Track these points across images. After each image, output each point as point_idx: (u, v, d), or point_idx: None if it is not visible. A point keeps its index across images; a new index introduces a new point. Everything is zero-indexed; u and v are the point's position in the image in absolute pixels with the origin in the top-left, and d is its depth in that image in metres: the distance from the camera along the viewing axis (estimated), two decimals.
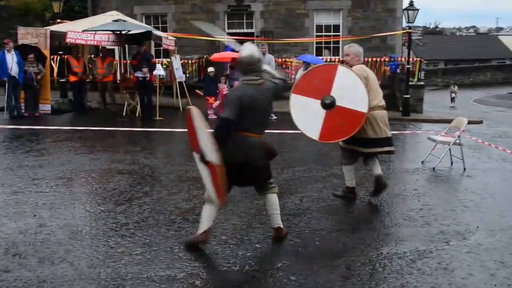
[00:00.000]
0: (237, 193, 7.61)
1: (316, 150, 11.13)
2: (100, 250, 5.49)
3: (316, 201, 7.48)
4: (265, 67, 5.70)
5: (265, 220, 6.60)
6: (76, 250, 5.49)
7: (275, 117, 14.96)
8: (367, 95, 6.85)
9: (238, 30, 23.34)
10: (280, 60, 20.11)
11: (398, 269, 5.21)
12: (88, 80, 16.59)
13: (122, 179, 8.35)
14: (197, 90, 16.72)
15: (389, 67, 21.31)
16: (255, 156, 5.39)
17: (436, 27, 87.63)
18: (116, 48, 18.78)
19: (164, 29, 22.47)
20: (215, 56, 18.01)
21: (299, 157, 10.66)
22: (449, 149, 10.11)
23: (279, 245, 5.77)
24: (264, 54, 16.46)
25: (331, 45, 23.02)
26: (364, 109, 6.82)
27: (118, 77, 18.00)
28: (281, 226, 5.86)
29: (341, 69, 6.99)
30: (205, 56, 21.85)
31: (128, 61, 18.46)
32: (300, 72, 16.30)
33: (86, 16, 22.40)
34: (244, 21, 23.57)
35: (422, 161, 10.29)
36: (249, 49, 5.41)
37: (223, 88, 15.67)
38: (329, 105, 6.87)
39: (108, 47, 16.55)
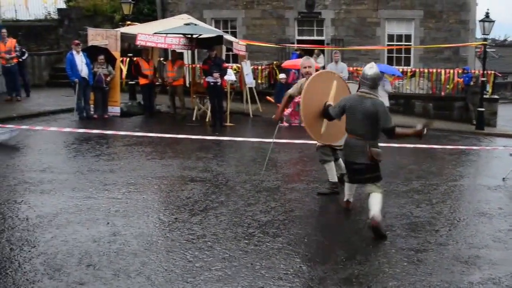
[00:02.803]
0: (316, 207, 7.25)
1: (393, 162, 10.55)
2: (177, 264, 5.15)
3: (400, 218, 7.00)
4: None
5: (349, 236, 6.24)
6: (152, 262, 5.17)
7: None
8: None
9: (308, 37, 22.93)
10: (351, 68, 19.52)
11: None
12: (157, 83, 16.45)
13: (196, 187, 8.01)
14: (268, 97, 16.38)
15: (462, 79, 20.50)
16: (352, 154, 6.40)
17: (505, 40, 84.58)
18: (185, 52, 18.65)
19: (233, 34, 22.27)
20: (287, 63, 17.63)
21: None
22: None
23: (366, 265, 5.36)
24: (336, 62, 15.99)
25: (402, 54, 22.35)
26: None
27: (188, 81, 17.86)
28: (375, 219, 6.14)
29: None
30: (274, 62, 21.51)
31: (198, 65, 18.30)
32: None
33: (155, 19, 22.40)
34: (315, 28, 23.11)
35: (503, 178, 9.56)
36: (375, 68, 6.34)
37: None
38: None
39: (178, 50, 16.39)
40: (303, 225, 6.43)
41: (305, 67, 7.71)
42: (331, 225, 6.53)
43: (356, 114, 6.29)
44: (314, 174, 9.03)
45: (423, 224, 6.76)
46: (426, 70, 20.90)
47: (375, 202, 6.25)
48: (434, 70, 20.82)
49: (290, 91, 8.00)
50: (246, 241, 5.80)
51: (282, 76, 15.91)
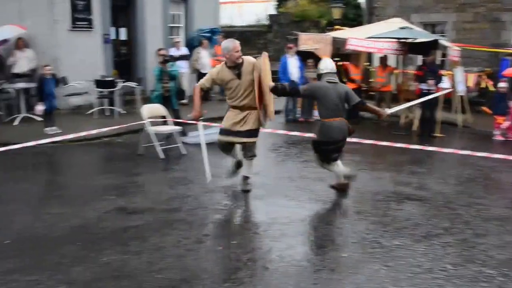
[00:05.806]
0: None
1: None
2: None
3: None
4: None
5: None
6: None
7: None
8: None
9: None
10: None
11: None
12: (364, 88, 15.98)
13: (414, 207, 7.32)
14: (484, 107, 15.05)
15: None
16: (335, 133, 7.42)
17: None
18: (391, 57, 17.88)
19: None
20: (509, 71, 16.05)
21: None
22: None
23: None
24: None
25: None
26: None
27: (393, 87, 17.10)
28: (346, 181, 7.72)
29: None
30: (486, 69, 19.82)
31: (409, 71, 17.43)
32: None
33: (359, 24, 21.99)
34: None
35: None
36: (327, 62, 7.57)
37: None
38: None
39: (389, 55, 15.73)
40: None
41: (237, 51, 7.23)
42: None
43: (329, 99, 7.29)
44: None
45: None
46: None
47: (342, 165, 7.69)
48: None
49: (201, 82, 7.66)
50: (485, 284, 5.01)
51: (502, 85, 14.45)
